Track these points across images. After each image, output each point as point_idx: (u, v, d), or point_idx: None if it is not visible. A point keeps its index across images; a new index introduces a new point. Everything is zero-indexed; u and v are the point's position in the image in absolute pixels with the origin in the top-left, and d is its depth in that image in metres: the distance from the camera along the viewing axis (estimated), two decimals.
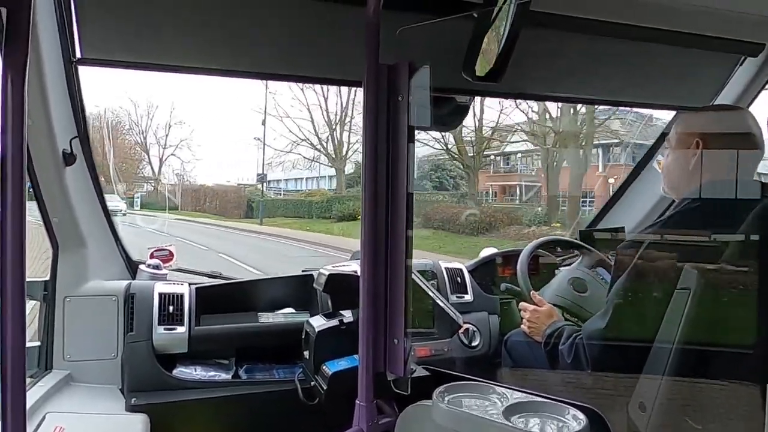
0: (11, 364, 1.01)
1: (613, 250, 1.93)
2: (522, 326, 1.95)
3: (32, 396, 1.76)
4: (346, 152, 17.88)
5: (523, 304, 1.99)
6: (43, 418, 1.73)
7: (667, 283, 1.44)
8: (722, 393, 1.39)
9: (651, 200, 2.50)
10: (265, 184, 18.94)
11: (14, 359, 1.02)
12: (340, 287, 1.91)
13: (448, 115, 1.96)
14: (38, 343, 2.03)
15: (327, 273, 1.94)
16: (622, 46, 1.84)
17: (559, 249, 2.58)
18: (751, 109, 2.20)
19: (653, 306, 1.48)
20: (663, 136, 2.47)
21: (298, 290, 2.32)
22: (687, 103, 2.25)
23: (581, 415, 1.21)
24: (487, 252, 2.72)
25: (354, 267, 1.90)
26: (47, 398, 1.84)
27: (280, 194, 19.74)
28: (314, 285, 2.06)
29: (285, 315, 2.26)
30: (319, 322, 1.89)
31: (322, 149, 18.20)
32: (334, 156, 18.11)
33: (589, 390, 1.53)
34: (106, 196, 2.18)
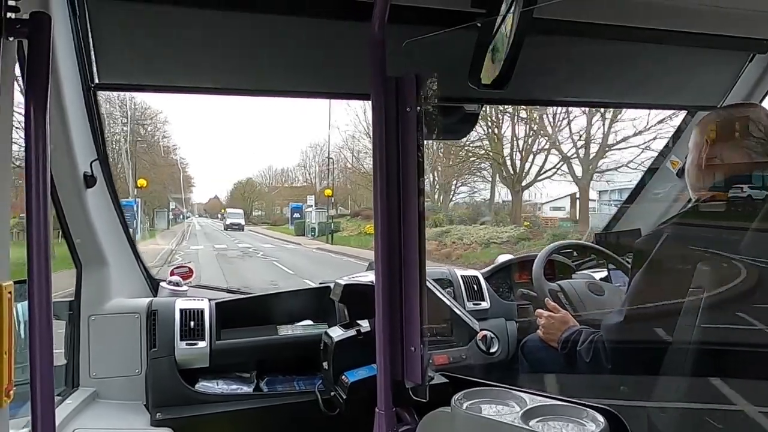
0: (40, 383, 1.05)
1: (630, 252, 1.93)
2: (538, 332, 1.95)
3: (60, 413, 1.80)
4: None
5: (538, 311, 1.99)
6: None
7: (682, 281, 1.44)
8: (743, 392, 1.37)
9: (667, 200, 2.49)
10: None
11: (43, 378, 1.05)
12: (356, 297, 1.92)
13: (457, 124, 1.98)
14: (65, 362, 2.08)
15: (343, 284, 1.96)
16: (627, 48, 1.85)
17: (575, 253, 2.58)
18: (765, 104, 2.19)
19: (670, 303, 1.48)
20: (675, 136, 2.48)
21: (316, 302, 2.34)
22: (697, 102, 2.25)
23: (600, 417, 1.21)
24: (502, 258, 2.72)
25: (370, 277, 1.91)
26: (74, 415, 1.88)
27: None
28: (330, 296, 2.08)
29: (304, 327, 2.28)
30: (336, 333, 1.91)
31: None
32: None
33: (608, 392, 1.53)
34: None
